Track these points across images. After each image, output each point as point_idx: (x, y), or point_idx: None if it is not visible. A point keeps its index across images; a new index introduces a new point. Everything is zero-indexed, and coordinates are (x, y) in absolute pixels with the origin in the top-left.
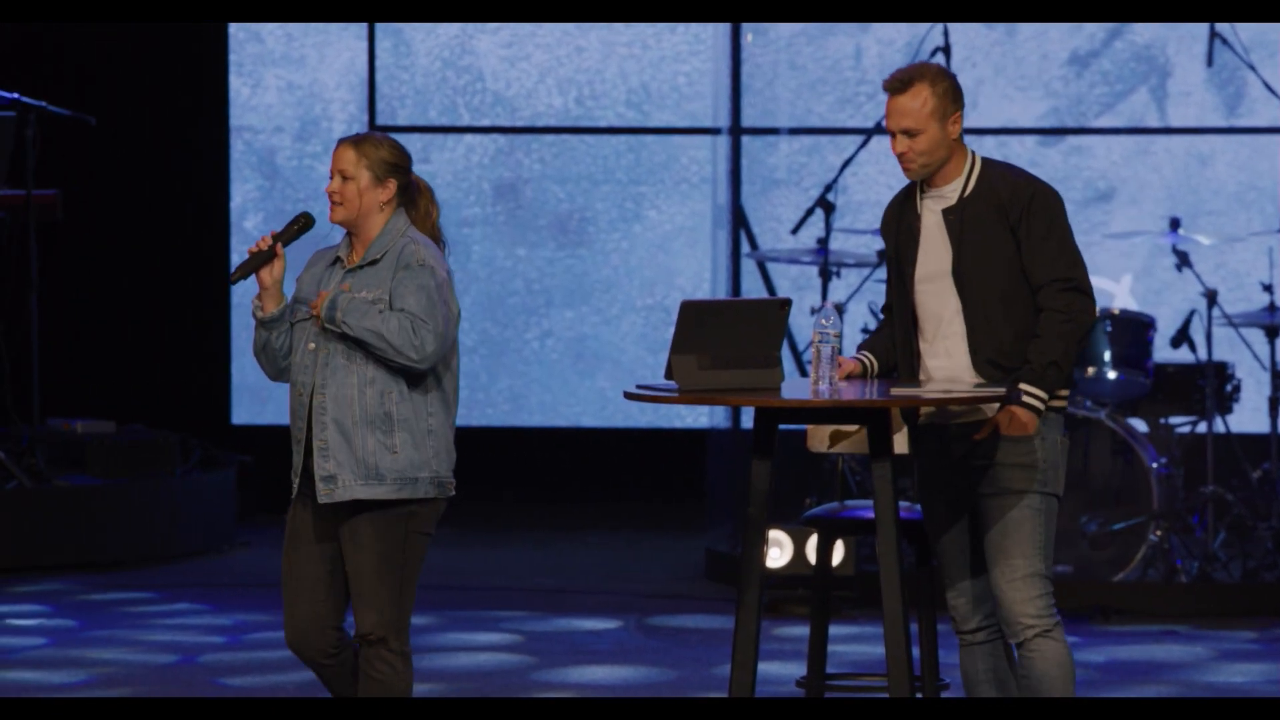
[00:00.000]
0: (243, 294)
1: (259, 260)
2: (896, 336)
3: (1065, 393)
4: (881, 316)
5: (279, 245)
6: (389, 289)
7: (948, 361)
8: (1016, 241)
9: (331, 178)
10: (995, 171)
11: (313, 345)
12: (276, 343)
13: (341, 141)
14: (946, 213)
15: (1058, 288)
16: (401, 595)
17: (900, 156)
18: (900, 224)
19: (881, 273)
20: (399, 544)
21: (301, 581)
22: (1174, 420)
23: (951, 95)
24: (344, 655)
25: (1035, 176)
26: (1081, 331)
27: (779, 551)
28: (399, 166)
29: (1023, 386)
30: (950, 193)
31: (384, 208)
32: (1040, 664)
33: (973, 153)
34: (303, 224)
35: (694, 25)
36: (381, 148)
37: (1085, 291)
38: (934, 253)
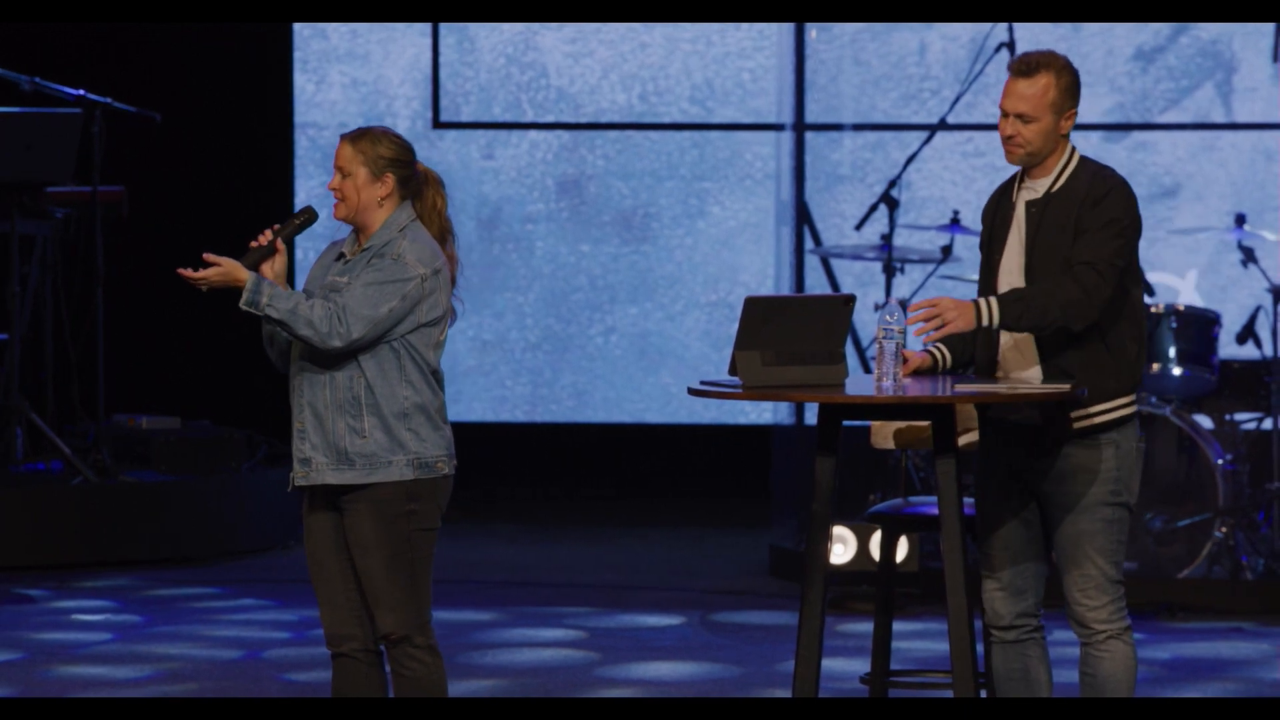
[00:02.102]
0: None
1: (260, 255)
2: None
3: (1131, 399)
4: None
5: (279, 240)
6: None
7: (1021, 358)
8: (1078, 233)
9: (335, 174)
10: (1088, 169)
11: None
12: (281, 335)
13: (341, 138)
14: (1030, 205)
15: (1085, 269)
16: (416, 591)
17: (1007, 139)
18: (997, 210)
19: (944, 269)
20: (404, 544)
21: (327, 578)
22: (1239, 416)
23: (1072, 91)
24: (376, 654)
25: (1123, 179)
26: (1061, 318)
27: (843, 548)
28: (398, 161)
29: (989, 299)
30: (1041, 186)
31: (384, 202)
32: (1109, 665)
33: (1073, 149)
34: (305, 219)
35: (758, 22)
36: (379, 143)
37: (1096, 293)
38: (1015, 244)
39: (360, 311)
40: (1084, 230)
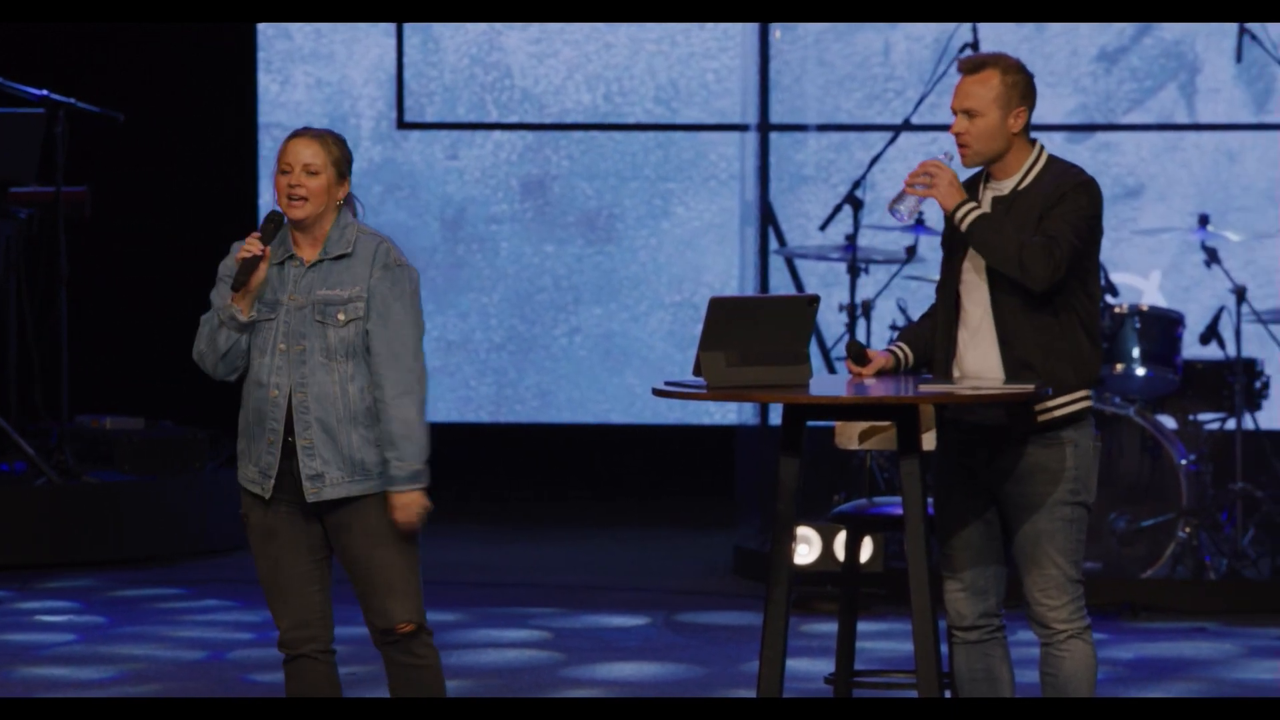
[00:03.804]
0: None
1: (253, 264)
2: (938, 324)
3: (1087, 393)
4: (909, 314)
5: (266, 248)
6: (367, 285)
7: (980, 357)
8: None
9: (287, 171)
10: (1056, 167)
11: (283, 345)
12: (244, 344)
13: (301, 135)
14: (996, 201)
15: (1046, 238)
16: (419, 582)
17: (956, 137)
18: None
19: (909, 269)
20: (414, 533)
21: (292, 578)
22: (1203, 417)
23: (1021, 89)
24: (333, 654)
25: (1091, 176)
26: (1016, 262)
27: (807, 548)
28: (350, 163)
29: (974, 203)
30: (1008, 184)
31: (336, 205)
32: (1069, 664)
33: (1041, 149)
34: (277, 223)
35: (722, 22)
36: (340, 145)
37: (1052, 260)
38: None
39: (418, 349)
40: (1048, 215)
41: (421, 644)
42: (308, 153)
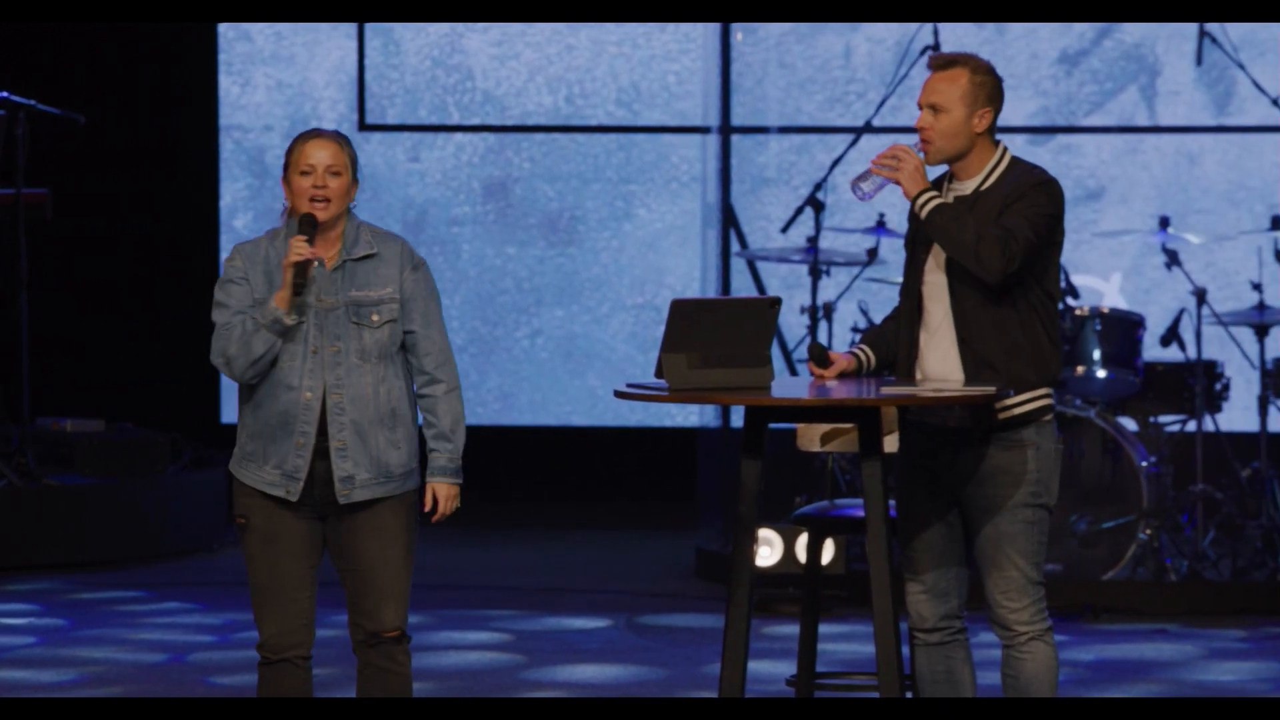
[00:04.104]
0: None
1: (307, 267)
2: (900, 325)
3: (1048, 391)
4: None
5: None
6: (399, 286)
7: (940, 358)
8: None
9: (309, 173)
10: (1018, 169)
11: (315, 348)
12: (278, 347)
13: (319, 137)
14: (959, 202)
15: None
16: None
17: (920, 132)
18: None
19: (870, 271)
20: (414, 535)
21: (288, 583)
22: (1163, 419)
23: (988, 90)
24: (309, 661)
25: (1053, 177)
26: (973, 250)
27: (769, 550)
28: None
29: (936, 194)
30: (970, 185)
31: (350, 206)
32: (1030, 666)
33: (1004, 151)
34: (314, 224)
35: (684, 24)
36: (352, 146)
37: (1008, 251)
38: None
39: (447, 346)
40: (1006, 213)
41: (402, 651)
42: (329, 154)
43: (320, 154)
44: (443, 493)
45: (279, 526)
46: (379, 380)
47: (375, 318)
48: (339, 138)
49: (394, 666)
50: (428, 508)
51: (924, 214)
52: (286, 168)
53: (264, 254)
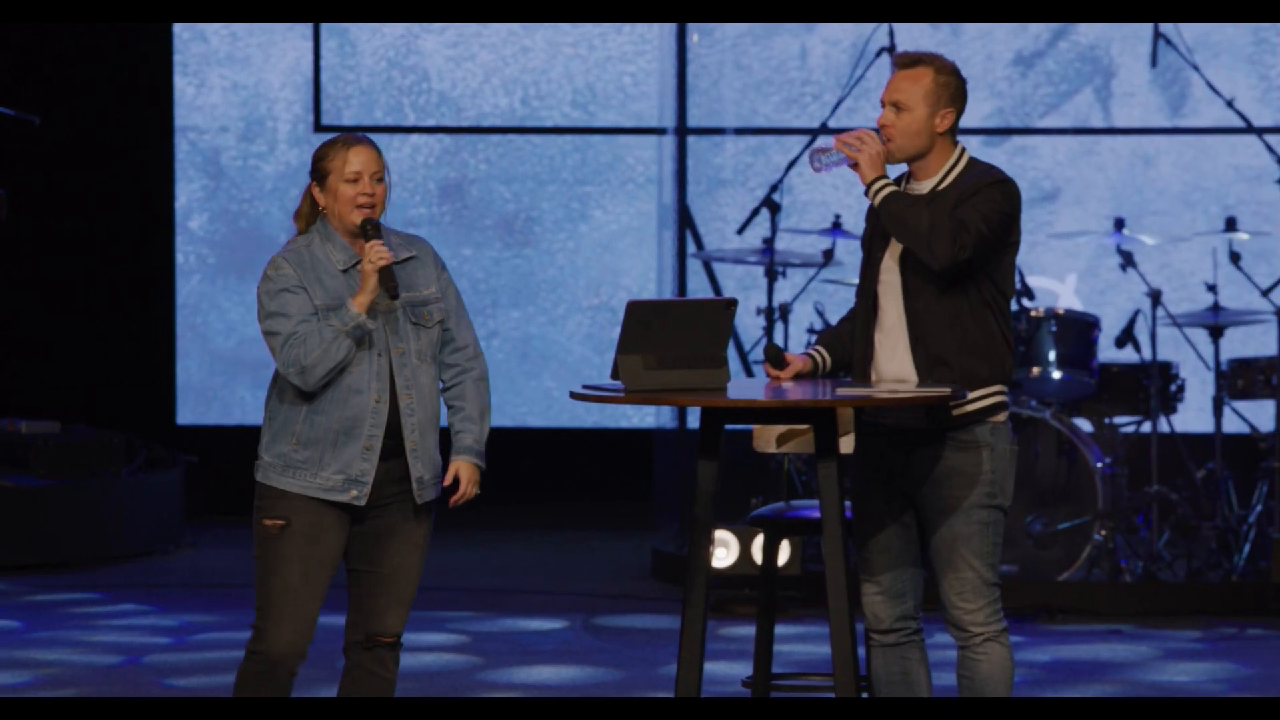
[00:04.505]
0: (187, 295)
1: (391, 269)
2: (856, 325)
3: (1002, 389)
4: (826, 318)
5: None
6: (438, 284)
7: (894, 357)
8: None
9: (355, 180)
10: (975, 168)
11: (380, 350)
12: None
13: (360, 143)
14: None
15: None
16: None
17: (881, 129)
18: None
19: (826, 273)
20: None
21: (314, 589)
22: (1118, 420)
23: (951, 91)
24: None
25: (1009, 176)
26: (925, 238)
27: (725, 551)
28: None
29: (891, 182)
30: (926, 185)
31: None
32: (986, 667)
33: (963, 151)
34: (379, 229)
35: (640, 25)
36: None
37: (959, 240)
38: (897, 243)
39: (477, 340)
40: (960, 207)
41: (393, 658)
42: (373, 160)
43: (366, 160)
44: (466, 473)
45: (323, 530)
46: (433, 380)
47: (428, 317)
48: (374, 144)
49: (383, 672)
50: (448, 482)
51: (878, 200)
52: (325, 174)
53: (312, 260)
